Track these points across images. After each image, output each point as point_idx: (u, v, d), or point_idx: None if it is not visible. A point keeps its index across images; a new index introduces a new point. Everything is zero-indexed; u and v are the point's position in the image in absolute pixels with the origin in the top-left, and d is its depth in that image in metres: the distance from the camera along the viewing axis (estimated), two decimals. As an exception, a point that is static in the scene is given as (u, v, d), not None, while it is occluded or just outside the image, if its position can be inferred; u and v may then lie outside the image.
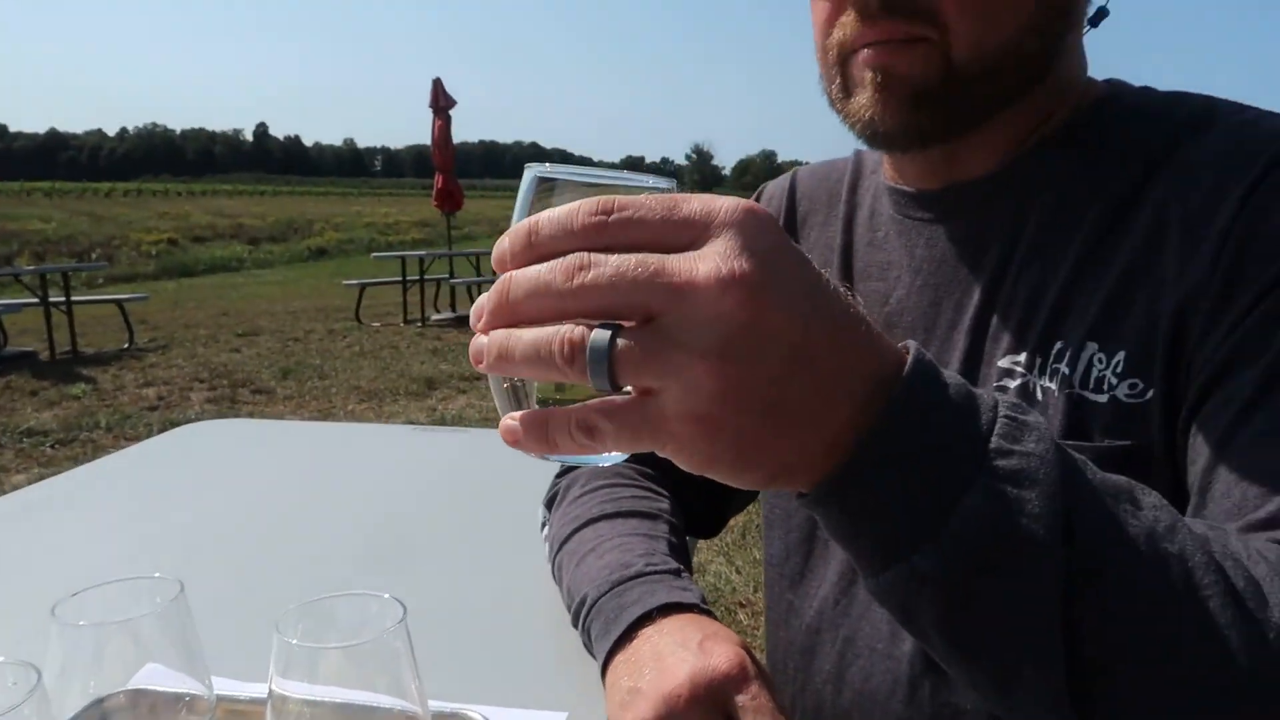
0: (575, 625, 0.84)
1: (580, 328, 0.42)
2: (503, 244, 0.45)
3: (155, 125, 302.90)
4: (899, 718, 0.77)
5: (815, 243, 0.93)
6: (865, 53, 0.72)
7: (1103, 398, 0.67)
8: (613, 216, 0.42)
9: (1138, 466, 0.60)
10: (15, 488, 4.53)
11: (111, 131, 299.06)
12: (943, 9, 0.69)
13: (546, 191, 0.47)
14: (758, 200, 1.00)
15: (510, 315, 0.44)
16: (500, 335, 0.44)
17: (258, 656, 0.59)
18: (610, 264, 0.41)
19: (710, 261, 0.40)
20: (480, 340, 0.45)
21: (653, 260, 0.41)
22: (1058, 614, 0.44)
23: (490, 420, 5.73)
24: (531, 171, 0.48)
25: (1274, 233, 0.61)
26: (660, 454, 0.44)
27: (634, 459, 1.02)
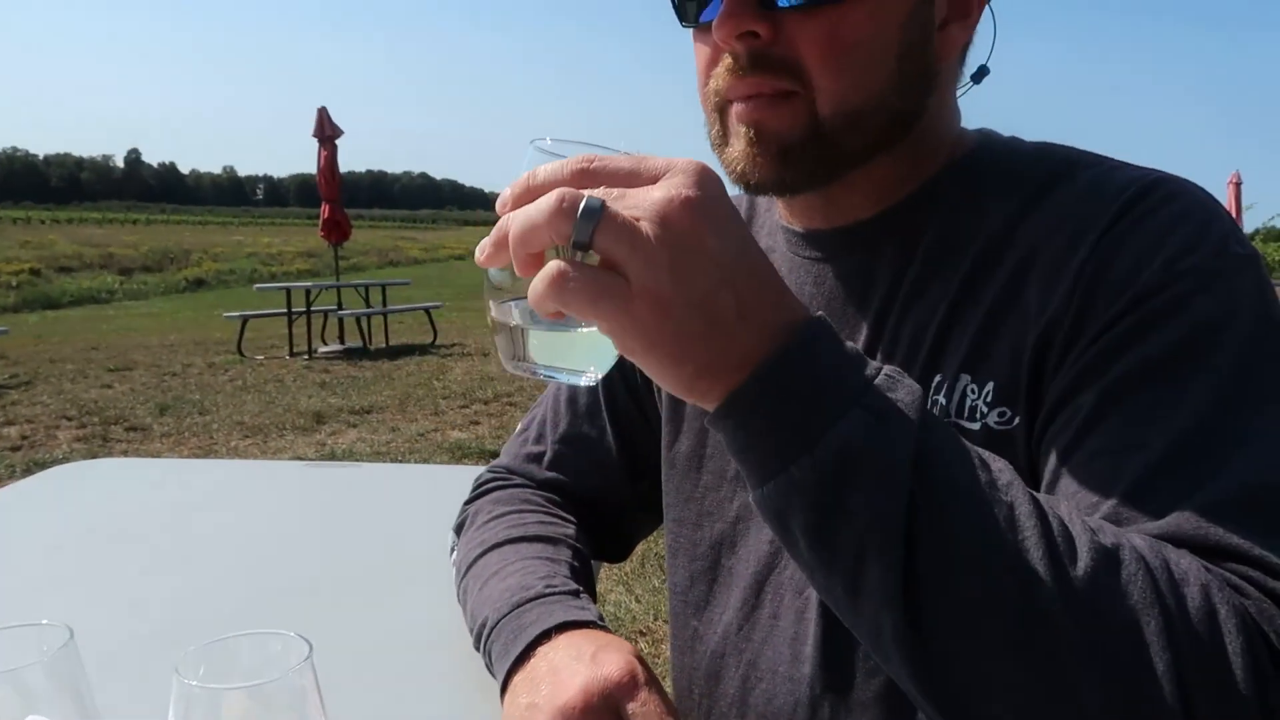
0: (477, 648, 0.85)
1: (574, 190, 0.51)
2: (504, 193, 0.55)
3: (15, 149, 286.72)
4: None
5: None
6: (739, 107, 0.76)
7: (975, 425, 0.71)
8: (593, 165, 0.53)
9: None
10: None
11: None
12: (808, 66, 0.72)
13: (530, 157, 0.58)
14: None
15: (506, 242, 0.53)
16: (500, 224, 0.53)
17: (155, 703, 0.57)
18: (586, 193, 0.51)
19: (662, 190, 0.51)
20: (483, 241, 0.55)
21: (616, 190, 0.52)
22: (901, 526, 0.51)
23: (382, 455, 5.61)
24: (532, 145, 0.58)
25: (1119, 272, 0.67)
26: (605, 328, 0.52)
27: (543, 486, 1.04)
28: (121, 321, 14.86)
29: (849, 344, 0.56)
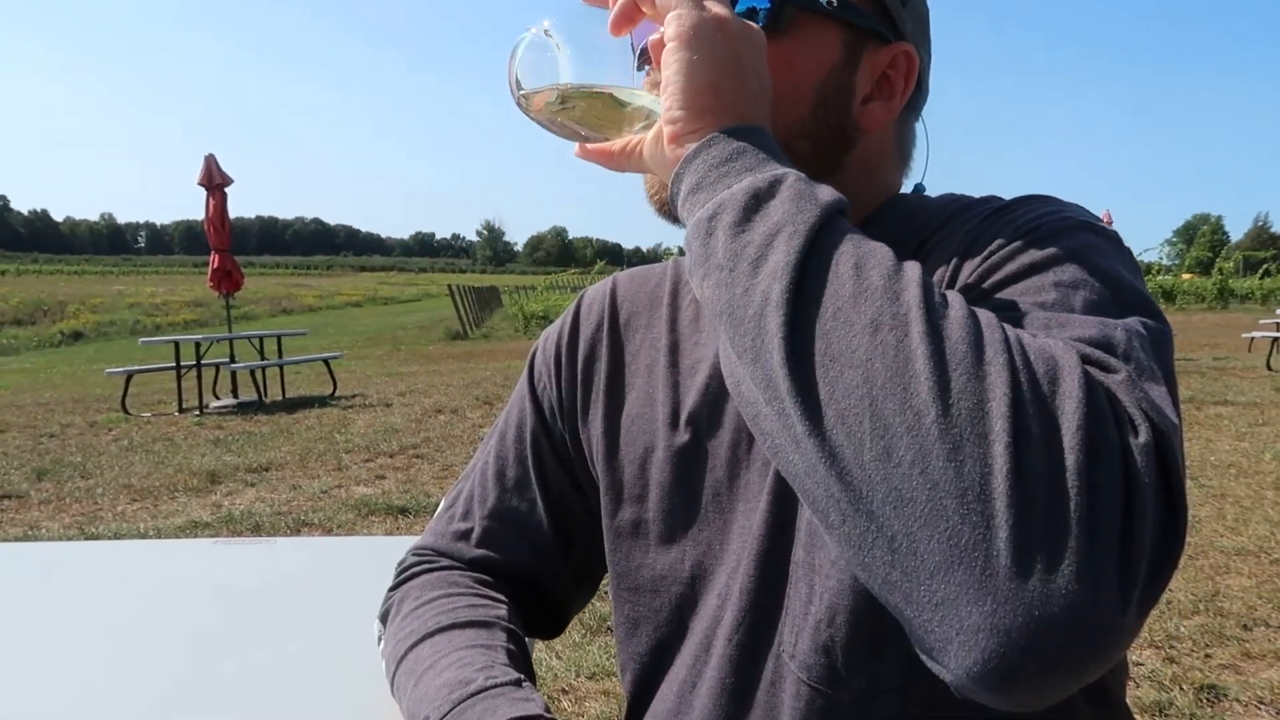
0: None
1: None
2: None
3: None
4: None
5: (641, 343, 0.96)
6: None
7: None
8: None
9: None
10: None
11: None
12: None
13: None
14: (578, 306, 1.05)
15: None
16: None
17: None
18: None
19: None
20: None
21: None
22: (811, 224, 0.59)
23: (283, 515, 5.38)
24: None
25: (986, 240, 0.73)
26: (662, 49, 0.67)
27: (472, 565, 1.02)
28: (-9, 379, 13.99)
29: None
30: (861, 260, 0.58)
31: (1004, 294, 0.68)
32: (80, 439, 8.07)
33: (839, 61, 0.80)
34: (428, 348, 18.22)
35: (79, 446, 7.70)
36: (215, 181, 10.45)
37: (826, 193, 0.62)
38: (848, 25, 0.80)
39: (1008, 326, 0.56)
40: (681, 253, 0.89)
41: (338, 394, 10.48)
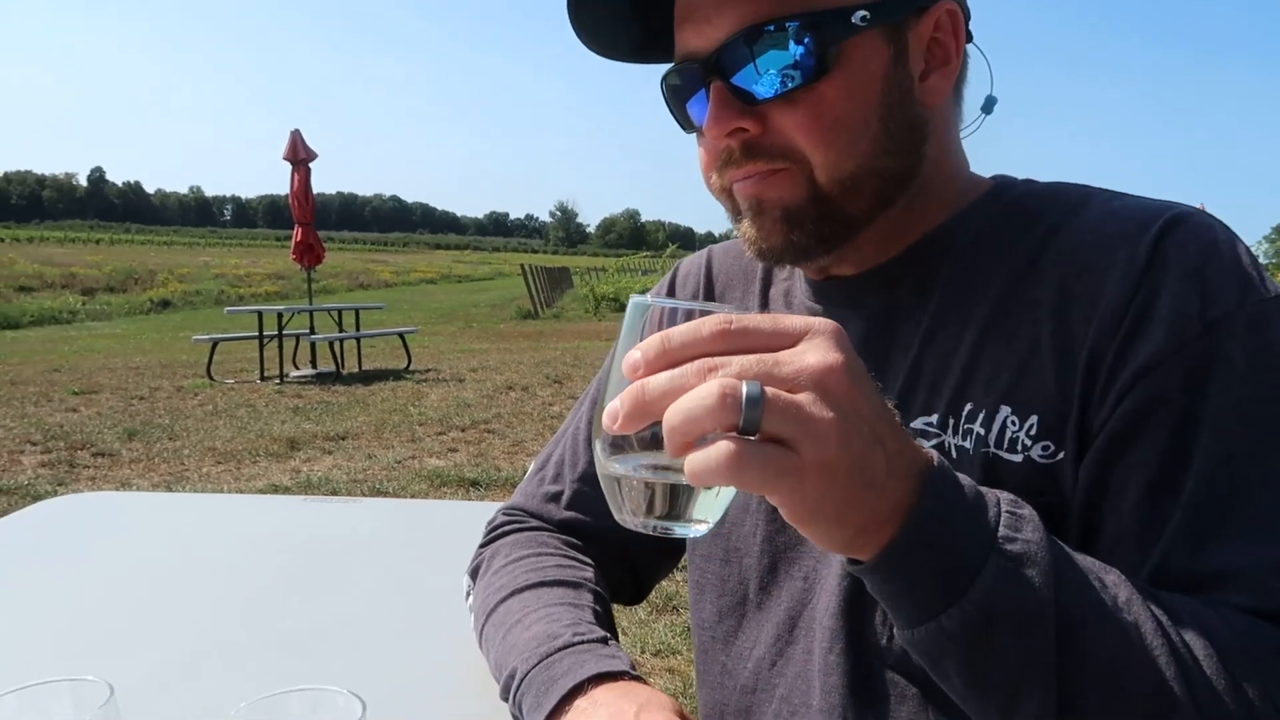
0: (505, 698, 0.85)
1: (731, 380, 0.51)
2: (634, 355, 0.54)
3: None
4: None
5: None
6: (739, 185, 0.80)
7: (1017, 458, 0.73)
8: (734, 326, 0.54)
9: (1054, 521, 0.66)
10: None
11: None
12: (798, 147, 0.76)
13: (642, 313, 0.58)
14: (674, 275, 1.08)
15: (647, 413, 0.53)
16: (636, 391, 0.53)
17: None
18: (735, 362, 0.52)
19: (814, 355, 0.53)
20: (613, 405, 0.54)
21: (769, 357, 0.53)
22: (1053, 659, 0.58)
23: (359, 483, 5.51)
24: (634, 301, 0.59)
25: (1161, 312, 0.69)
26: (774, 499, 0.54)
27: (561, 527, 1.04)
28: (84, 343, 14.60)
29: (965, 480, 0.61)
30: (1118, 687, 0.60)
31: (1195, 430, 0.68)
32: (168, 402, 8.38)
33: (889, 60, 0.77)
34: (499, 326, 18.44)
35: (167, 409, 7.99)
36: (300, 156, 10.70)
37: (1042, 588, 0.59)
38: (884, 23, 0.76)
39: (1241, 649, 0.62)
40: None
41: (412, 368, 10.68)
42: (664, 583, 3.89)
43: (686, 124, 0.85)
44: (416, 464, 6.05)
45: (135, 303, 24.19)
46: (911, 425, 0.79)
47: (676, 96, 0.84)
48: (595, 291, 24.21)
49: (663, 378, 0.53)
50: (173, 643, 1.06)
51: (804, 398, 0.52)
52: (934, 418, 0.78)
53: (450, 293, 33.02)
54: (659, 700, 0.74)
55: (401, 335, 11.21)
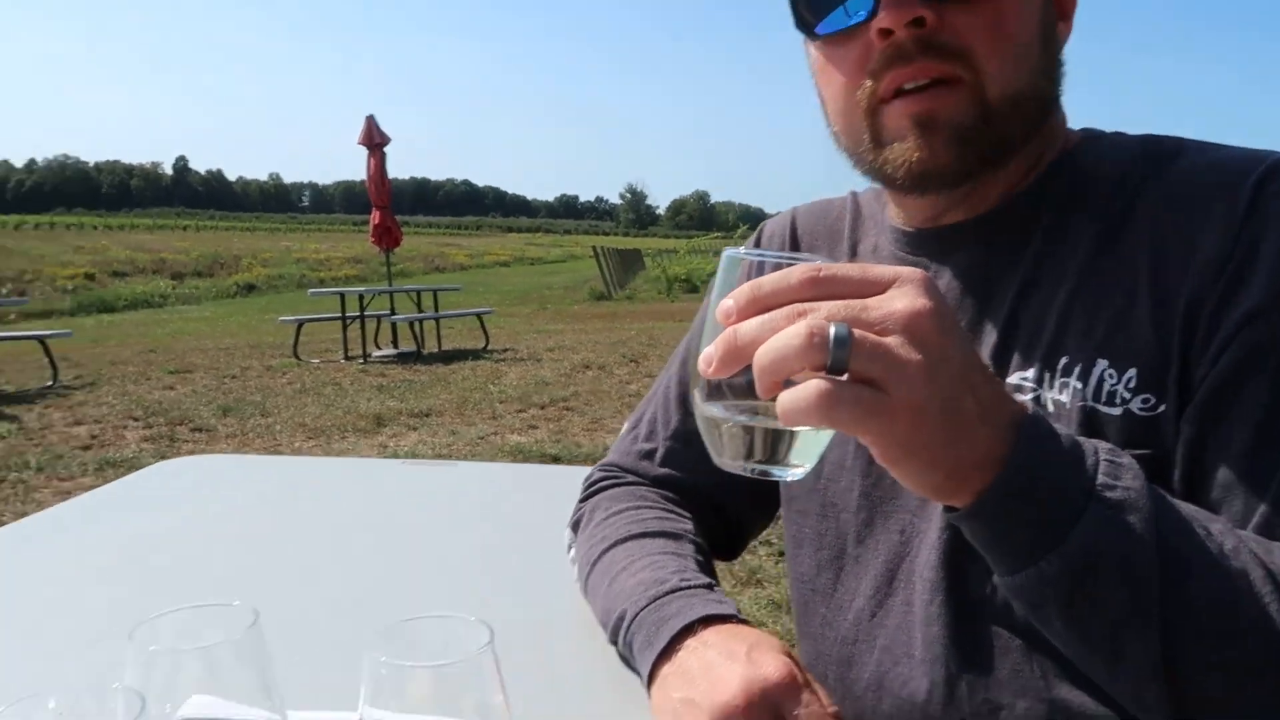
0: (613, 641, 0.87)
1: (819, 321, 0.52)
2: (726, 303, 0.56)
3: (67, 157, 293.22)
4: (939, 719, 0.81)
5: None
6: (900, 103, 0.77)
7: (1116, 411, 0.73)
8: (822, 274, 0.55)
9: (1155, 473, 0.65)
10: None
11: (19, 163, 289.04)
12: (975, 52, 0.75)
13: (735, 265, 0.60)
14: (759, 237, 1.07)
15: (739, 356, 0.55)
16: (729, 336, 0.55)
17: (333, 681, 0.57)
18: (824, 306, 0.54)
19: (902, 300, 0.54)
20: (708, 351, 0.56)
21: (857, 302, 0.54)
22: (1156, 606, 0.58)
23: (444, 457, 5.63)
24: (728, 252, 0.61)
25: (1264, 260, 0.68)
26: (866, 440, 0.55)
27: (656, 483, 1.06)
28: (176, 325, 15.14)
29: (1061, 429, 0.61)
30: (1225, 631, 0.60)
31: None
32: (258, 380, 8.65)
33: None
34: (573, 307, 18.56)
35: (258, 387, 8.26)
36: (375, 141, 10.89)
37: (1143, 534, 0.59)
38: None
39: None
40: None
41: (490, 347, 10.83)
42: (748, 556, 3.89)
43: (816, 23, 0.81)
44: (499, 440, 6.15)
45: (222, 287, 24.96)
46: (1007, 381, 0.78)
47: None
48: (667, 273, 24.19)
49: (753, 322, 0.54)
50: (304, 583, 1.12)
51: (892, 340, 0.53)
52: (1030, 373, 0.78)
53: (523, 275, 33.34)
54: (768, 641, 0.75)
55: (479, 316, 11.37)
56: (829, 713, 0.69)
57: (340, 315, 10.46)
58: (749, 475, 0.60)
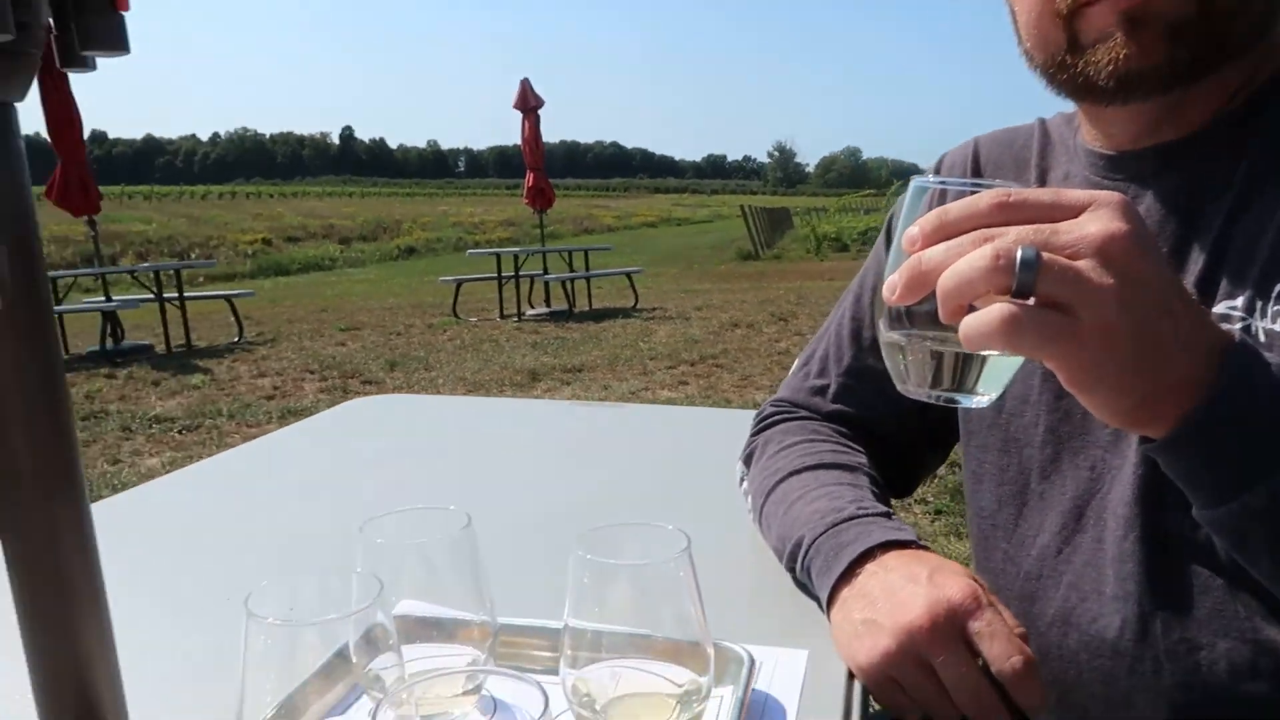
0: (790, 567, 0.89)
1: (1006, 244, 0.51)
2: (912, 230, 0.55)
3: (245, 130, 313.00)
4: (1131, 656, 0.78)
5: None
6: (1107, 2, 0.72)
7: None
8: (1012, 198, 0.54)
9: None
10: (149, 470, 4.72)
11: (204, 136, 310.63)
12: None
13: (921, 193, 0.60)
14: (938, 166, 1.03)
15: (924, 282, 0.54)
16: (914, 263, 0.54)
17: (537, 580, 0.61)
18: (1012, 231, 0.52)
19: (1096, 224, 0.52)
20: (892, 277, 0.56)
21: (1047, 226, 0.53)
22: None
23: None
24: (915, 180, 0.61)
25: None
26: (1052, 364, 0.54)
27: (829, 419, 1.05)
28: (344, 287, 16.00)
29: (1270, 355, 0.59)
30: None
31: None
32: (421, 338, 9.06)
33: None
34: (720, 267, 18.50)
35: (421, 344, 8.65)
36: (529, 104, 11.09)
37: None
38: None
39: None
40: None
41: (639, 306, 10.96)
42: (905, 515, 3.84)
43: None
44: (650, 395, 6.25)
45: (385, 250, 26.14)
46: (1213, 310, 0.75)
47: None
48: (816, 231, 23.75)
49: (939, 247, 0.54)
50: (502, 502, 1.18)
51: (1083, 264, 0.51)
52: (1239, 301, 0.74)
53: (671, 235, 33.41)
54: (951, 565, 0.74)
55: (628, 275, 11.51)
56: (1016, 633, 0.68)
57: (496, 275, 10.80)
58: (933, 402, 0.60)
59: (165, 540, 1.10)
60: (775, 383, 6.60)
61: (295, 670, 0.53)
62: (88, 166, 8.34)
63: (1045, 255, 0.51)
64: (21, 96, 0.44)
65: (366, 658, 0.56)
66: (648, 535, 0.64)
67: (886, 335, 0.60)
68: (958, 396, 0.59)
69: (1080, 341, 0.52)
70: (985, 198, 0.54)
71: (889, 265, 0.58)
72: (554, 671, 0.62)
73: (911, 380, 0.60)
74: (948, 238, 0.54)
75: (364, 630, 0.54)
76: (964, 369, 0.58)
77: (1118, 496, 0.80)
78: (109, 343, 8.31)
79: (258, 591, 0.53)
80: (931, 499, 3.91)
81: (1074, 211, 0.54)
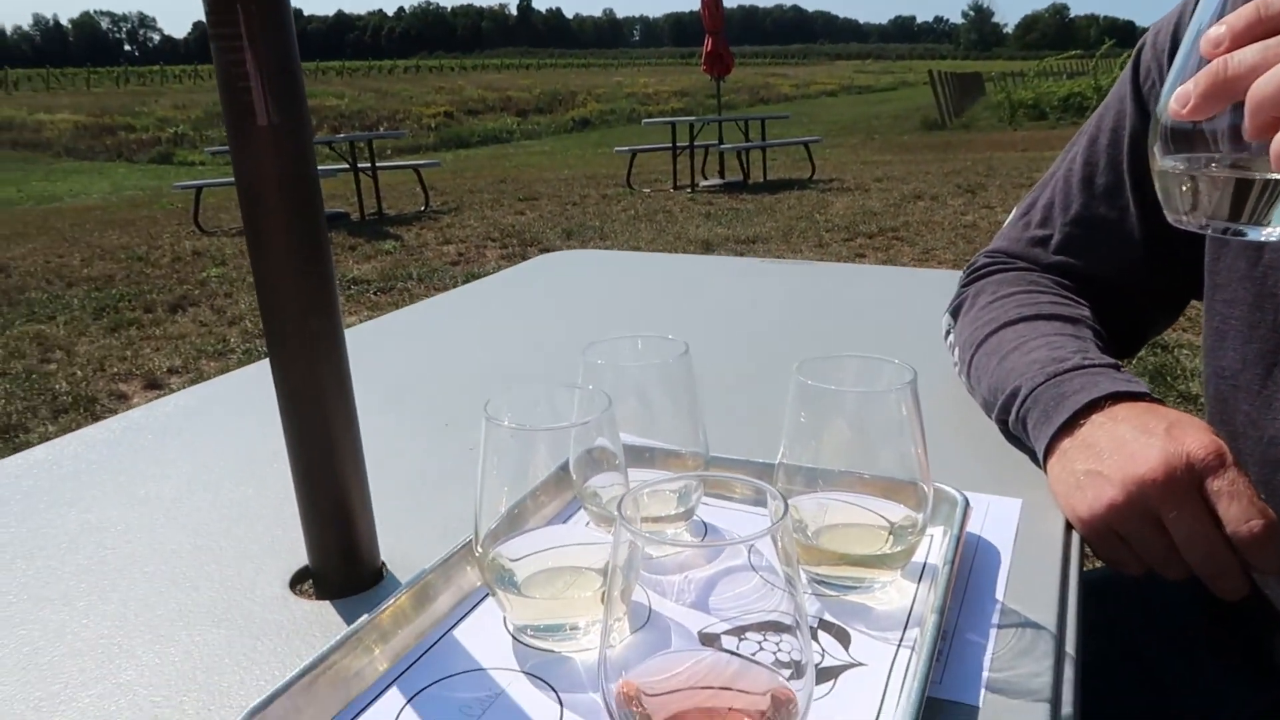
0: (1002, 420, 0.85)
1: None
2: (1218, 29, 0.47)
3: (429, 3, 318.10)
4: None
5: None
6: None
7: None
8: None
9: None
10: (348, 328, 5.05)
11: (391, 11, 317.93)
12: None
13: None
14: (1148, 39, 0.93)
15: (1228, 91, 0.46)
16: (1216, 67, 0.47)
17: (747, 402, 0.61)
18: None
19: None
20: (1185, 87, 0.48)
21: None
22: None
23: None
24: None
25: None
26: None
27: (1050, 270, 0.99)
28: (521, 159, 16.30)
29: None
30: None
31: None
32: (596, 208, 9.16)
33: None
34: (902, 138, 17.63)
35: (596, 214, 8.76)
36: (711, -36, 10.69)
37: None
38: None
39: None
40: None
41: (815, 177, 10.64)
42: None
43: None
44: (826, 268, 6.12)
45: (560, 122, 26.37)
46: None
47: None
48: (1011, 98, 22.13)
49: (1253, 48, 0.45)
50: (708, 340, 1.19)
51: None
52: None
53: (851, 104, 31.98)
54: (1192, 420, 0.68)
55: (806, 145, 11.14)
56: (1255, 494, 0.63)
57: (670, 145, 10.70)
58: (1212, 234, 0.53)
59: (389, 373, 1.18)
60: (959, 257, 6.31)
61: (526, 476, 0.55)
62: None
63: None
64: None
65: (588, 472, 0.57)
66: (872, 367, 0.62)
67: (1162, 161, 0.53)
68: (1246, 229, 0.51)
69: None
70: None
71: (1173, 75, 0.51)
72: (763, 504, 0.62)
73: (1196, 210, 0.52)
74: (1264, 37, 0.46)
75: (586, 447, 0.56)
76: (1267, 196, 0.50)
77: None
78: (310, 210, 8.84)
79: (495, 398, 0.55)
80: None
81: None
